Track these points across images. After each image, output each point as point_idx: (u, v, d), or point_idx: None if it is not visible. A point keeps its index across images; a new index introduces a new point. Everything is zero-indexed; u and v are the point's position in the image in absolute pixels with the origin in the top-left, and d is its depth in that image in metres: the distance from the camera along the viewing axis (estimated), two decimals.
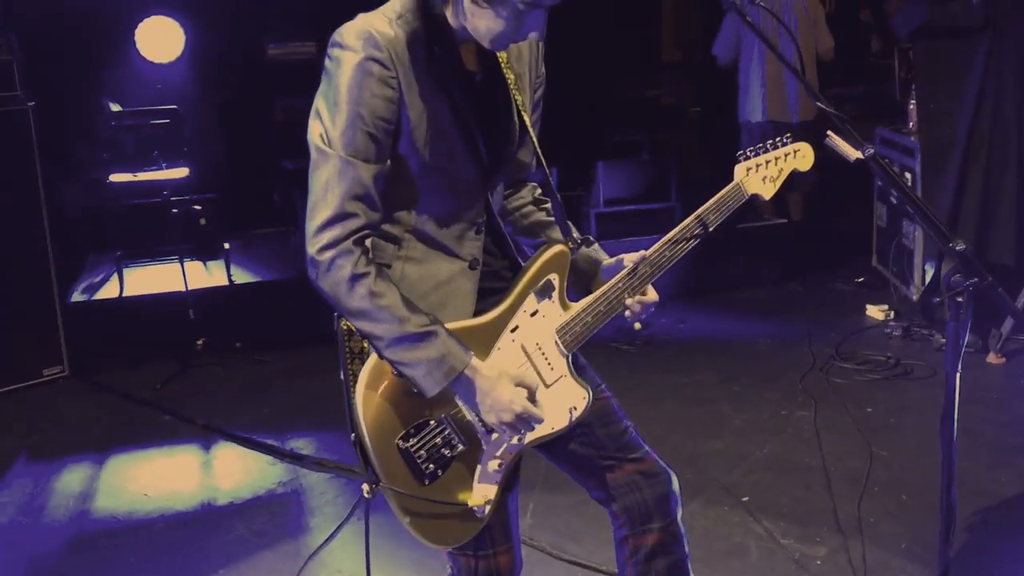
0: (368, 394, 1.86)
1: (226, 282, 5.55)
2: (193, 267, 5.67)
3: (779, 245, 6.63)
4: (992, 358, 4.90)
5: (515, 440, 1.96)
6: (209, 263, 5.78)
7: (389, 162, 1.83)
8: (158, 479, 4.07)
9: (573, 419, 2.00)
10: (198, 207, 5.20)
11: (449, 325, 1.86)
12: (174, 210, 5.19)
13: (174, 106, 6.20)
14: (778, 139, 2.20)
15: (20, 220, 4.97)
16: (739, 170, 2.14)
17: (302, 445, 4.31)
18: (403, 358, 1.80)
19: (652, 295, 2.05)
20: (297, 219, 5.97)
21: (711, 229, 2.11)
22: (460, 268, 1.96)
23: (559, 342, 1.99)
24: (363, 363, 1.90)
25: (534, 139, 2.03)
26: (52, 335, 5.13)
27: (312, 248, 1.79)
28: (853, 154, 1.99)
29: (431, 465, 1.89)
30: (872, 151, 1.92)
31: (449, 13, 1.81)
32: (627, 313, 2.01)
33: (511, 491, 2.03)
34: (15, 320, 4.98)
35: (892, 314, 5.60)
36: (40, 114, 4.99)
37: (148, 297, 5.43)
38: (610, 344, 5.36)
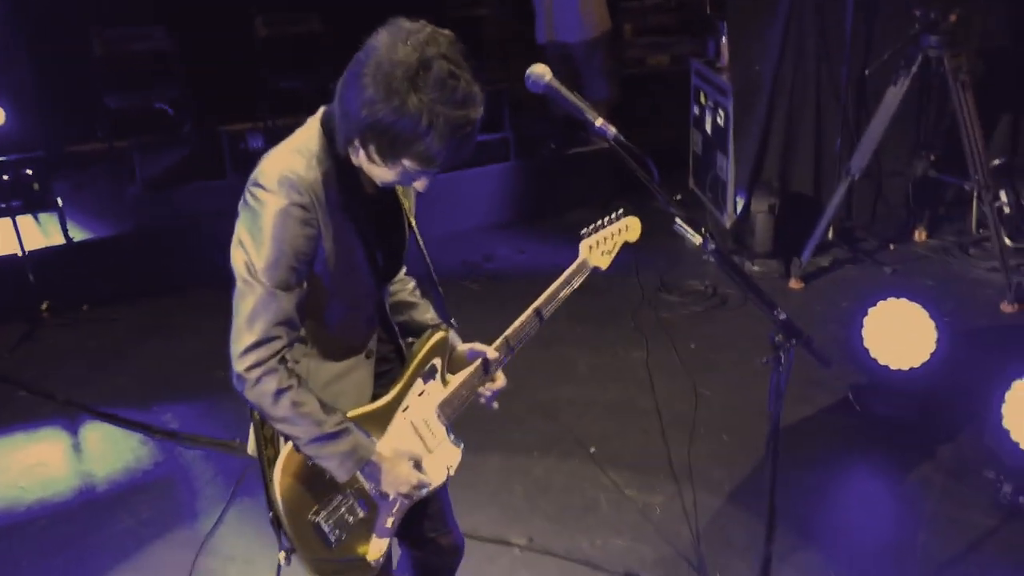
0: (284, 479, 2.14)
1: (63, 240, 5.44)
2: (25, 222, 5.49)
3: (605, 166, 7.02)
4: (793, 283, 5.55)
5: (406, 500, 2.32)
6: (41, 217, 5.62)
7: (305, 284, 2.05)
8: (29, 467, 4.14)
9: (450, 475, 2.39)
10: (28, 171, 5.03)
11: (352, 413, 2.18)
12: (4, 176, 5.00)
13: None
14: (612, 214, 2.53)
15: None
16: (583, 247, 2.47)
17: (169, 419, 4.44)
18: (319, 453, 2.09)
19: (501, 381, 2.41)
20: (134, 166, 5.85)
21: (548, 314, 2.43)
22: (358, 359, 2.25)
23: (440, 414, 2.36)
24: (275, 448, 2.17)
25: (419, 240, 2.30)
26: None
27: (239, 367, 1.99)
28: (697, 240, 2.34)
29: (337, 531, 2.21)
30: (713, 246, 2.28)
31: (351, 154, 2.01)
32: (481, 400, 2.40)
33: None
34: None
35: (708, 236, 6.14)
36: None
37: None
38: (457, 283, 5.67)
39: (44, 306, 5.24)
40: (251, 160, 6.77)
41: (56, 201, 5.38)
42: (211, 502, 3.85)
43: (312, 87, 6.40)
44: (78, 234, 5.56)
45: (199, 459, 4.14)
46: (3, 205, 5.21)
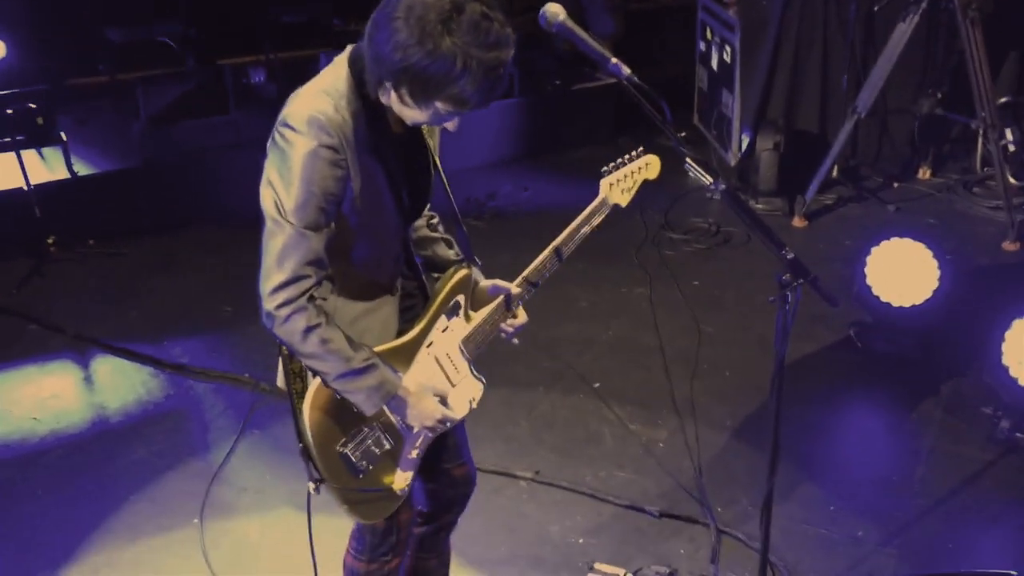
0: (313, 412, 2.19)
1: (68, 175, 5.43)
2: (29, 157, 5.47)
3: (610, 102, 6.98)
4: (797, 221, 5.58)
5: (430, 433, 2.37)
6: (45, 151, 5.60)
7: (333, 224, 2.08)
8: (43, 400, 4.20)
9: (472, 407, 2.45)
10: (32, 104, 5.00)
11: (378, 348, 2.21)
12: (8, 110, 4.97)
13: None
14: (632, 152, 2.54)
15: None
16: (604, 185, 2.49)
17: (179, 353, 4.49)
18: (347, 388, 2.14)
19: (523, 317, 2.47)
20: (137, 101, 5.82)
21: (568, 252, 2.48)
22: (384, 296, 2.29)
23: (463, 349, 2.40)
24: (303, 381, 2.21)
25: (444, 178, 2.31)
26: None
27: (269, 305, 2.03)
28: (709, 180, 2.37)
29: (364, 462, 2.26)
30: (724, 187, 2.30)
31: (381, 95, 2.01)
32: (503, 335, 2.46)
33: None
34: None
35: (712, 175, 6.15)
36: None
37: None
38: (462, 219, 5.66)
39: (50, 240, 5.25)
40: (254, 95, 6.71)
41: (60, 135, 5.36)
42: (222, 434, 3.91)
43: (315, 21, 6.33)
44: (83, 169, 5.55)
45: (210, 392, 4.20)
46: (7, 139, 5.18)
